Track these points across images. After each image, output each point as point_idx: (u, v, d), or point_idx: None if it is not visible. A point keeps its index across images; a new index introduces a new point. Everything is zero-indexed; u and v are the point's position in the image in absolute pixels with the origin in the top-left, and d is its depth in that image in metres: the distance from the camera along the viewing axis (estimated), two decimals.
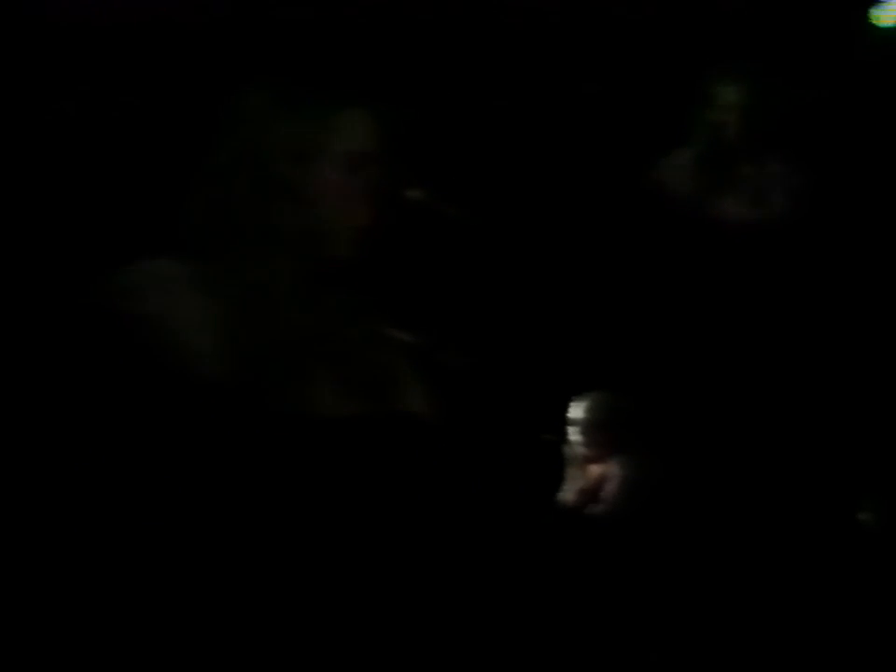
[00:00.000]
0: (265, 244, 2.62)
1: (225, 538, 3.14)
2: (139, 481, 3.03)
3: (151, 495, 3.03)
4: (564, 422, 5.05)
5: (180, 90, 6.15)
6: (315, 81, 2.84)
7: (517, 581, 4.90)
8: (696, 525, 4.95)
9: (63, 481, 3.64)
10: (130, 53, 6.10)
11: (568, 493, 4.99)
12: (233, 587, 3.04)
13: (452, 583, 5.44)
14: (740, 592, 5.63)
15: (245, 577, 3.00)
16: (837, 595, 5.27)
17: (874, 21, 5.95)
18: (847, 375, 6.18)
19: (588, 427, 5.02)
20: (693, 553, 4.91)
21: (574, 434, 5.02)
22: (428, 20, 6.08)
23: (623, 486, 4.89)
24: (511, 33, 6.14)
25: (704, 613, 5.04)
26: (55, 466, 3.62)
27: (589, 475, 4.98)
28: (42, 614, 5.10)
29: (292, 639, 3.21)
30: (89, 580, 3.49)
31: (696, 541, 4.94)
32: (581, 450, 5.00)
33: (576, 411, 5.06)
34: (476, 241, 6.33)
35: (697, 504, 5.04)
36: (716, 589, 5.26)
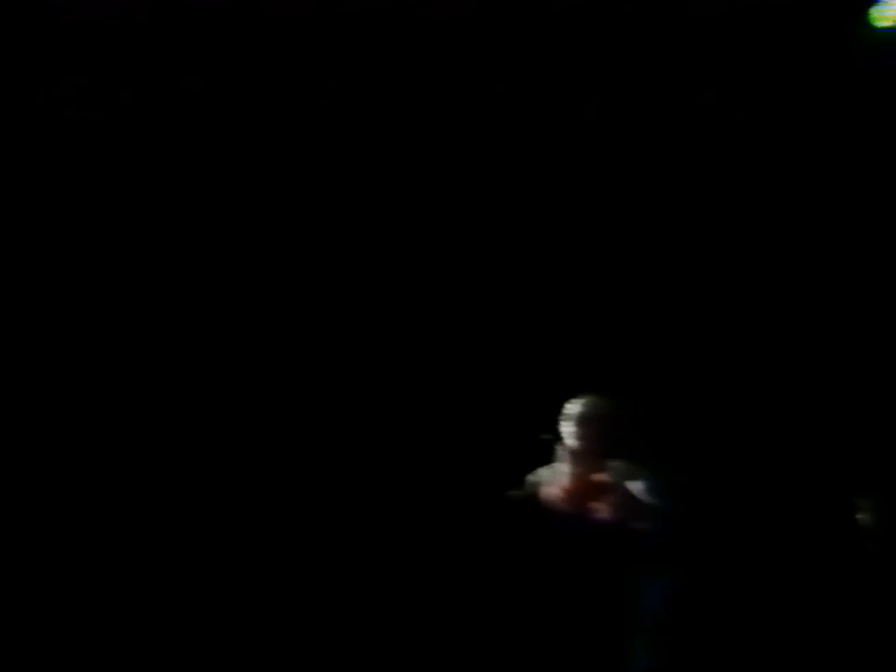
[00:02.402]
0: None
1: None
2: None
3: None
4: (558, 419, 5.05)
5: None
6: None
7: (512, 578, 4.90)
8: (695, 524, 4.95)
9: None
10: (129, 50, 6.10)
11: (553, 488, 4.99)
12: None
13: (451, 581, 5.44)
14: (738, 590, 5.62)
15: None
16: (837, 594, 5.26)
17: (873, 21, 5.94)
18: (847, 377, 6.18)
19: (583, 425, 5.02)
20: (690, 551, 4.91)
21: (568, 431, 5.02)
22: None
23: (621, 487, 4.89)
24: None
25: (701, 611, 5.04)
26: None
27: (580, 474, 4.98)
28: (42, 614, 5.09)
29: (292, 639, 3.21)
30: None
31: (694, 540, 4.94)
32: (573, 447, 5.00)
33: (571, 408, 5.06)
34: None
35: (696, 504, 5.03)
36: (713, 588, 5.26)
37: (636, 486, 4.90)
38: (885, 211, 6.31)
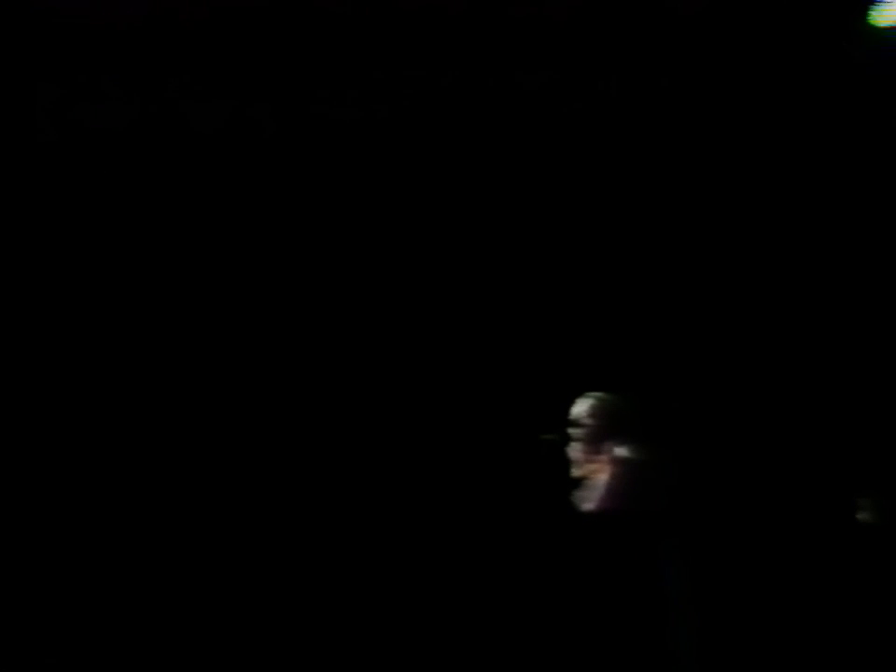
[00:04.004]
0: None
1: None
2: None
3: None
4: (565, 421, 5.05)
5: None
6: None
7: (521, 580, 4.91)
8: (693, 521, 4.95)
9: None
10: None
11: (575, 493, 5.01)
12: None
13: (454, 582, 5.43)
14: (738, 589, 5.62)
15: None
16: (837, 594, 5.26)
17: (873, 21, 5.94)
18: (847, 376, 6.18)
19: (587, 424, 5.02)
20: (688, 548, 4.91)
21: (574, 432, 5.03)
22: None
23: (617, 479, 4.89)
24: None
25: (702, 610, 5.04)
26: None
27: (585, 469, 4.99)
28: (42, 614, 5.09)
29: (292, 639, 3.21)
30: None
31: (692, 538, 4.94)
32: (579, 447, 5.00)
33: (577, 409, 5.06)
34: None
35: (694, 500, 5.03)
36: (712, 585, 5.26)
37: (638, 480, 4.91)
38: (885, 211, 6.31)
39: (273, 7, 5.97)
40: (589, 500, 4.89)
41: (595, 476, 4.94)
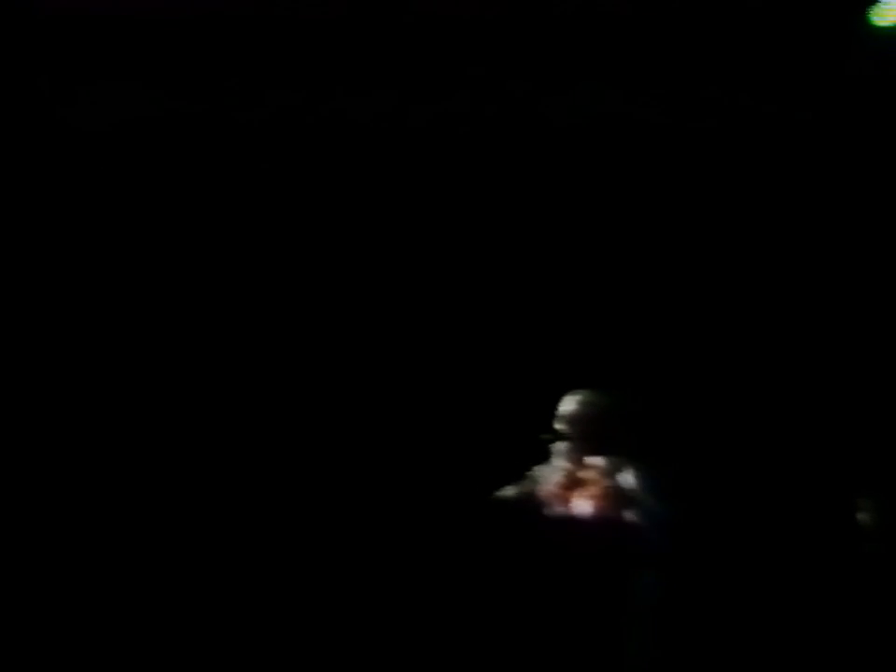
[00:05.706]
0: None
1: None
2: None
3: None
4: (554, 416, 5.05)
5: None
6: None
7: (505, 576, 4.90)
8: (688, 522, 4.95)
9: None
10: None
11: (547, 485, 4.99)
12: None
13: (446, 580, 5.42)
14: (735, 589, 5.62)
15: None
16: (837, 594, 5.26)
17: (873, 21, 5.95)
18: (846, 377, 6.18)
19: (576, 422, 5.01)
20: (683, 548, 4.91)
21: (562, 428, 5.02)
22: None
23: (609, 484, 4.89)
24: None
25: (697, 607, 5.04)
26: None
27: (571, 470, 4.98)
28: (42, 614, 5.08)
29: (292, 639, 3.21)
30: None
31: (688, 537, 4.94)
32: (567, 444, 5.00)
33: (566, 405, 5.05)
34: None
35: (691, 502, 5.03)
36: (709, 585, 5.26)
37: (629, 483, 4.90)
38: (885, 211, 6.31)
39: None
40: (574, 523, 4.89)
41: (583, 488, 4.93)
